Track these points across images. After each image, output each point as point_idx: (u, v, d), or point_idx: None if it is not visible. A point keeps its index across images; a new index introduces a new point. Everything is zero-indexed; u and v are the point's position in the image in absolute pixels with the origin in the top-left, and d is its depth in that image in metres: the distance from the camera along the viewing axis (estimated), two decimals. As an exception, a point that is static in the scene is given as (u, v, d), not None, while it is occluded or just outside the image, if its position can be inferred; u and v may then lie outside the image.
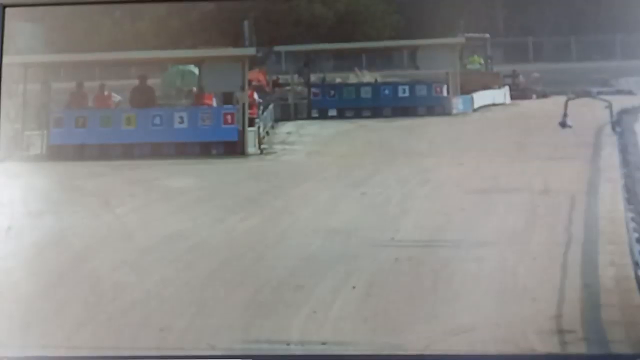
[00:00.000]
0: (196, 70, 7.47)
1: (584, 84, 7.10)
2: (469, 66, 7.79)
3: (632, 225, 5.72)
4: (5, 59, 5.37)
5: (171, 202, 6.45)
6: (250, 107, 7.26)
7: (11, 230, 5.98)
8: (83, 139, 7.03)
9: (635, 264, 5.47)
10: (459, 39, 7.36)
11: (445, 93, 7.50)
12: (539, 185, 6.15)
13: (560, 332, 5.03)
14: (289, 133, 7.36)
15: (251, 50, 7.34)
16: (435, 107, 7.46)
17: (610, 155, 6.44)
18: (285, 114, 7.63)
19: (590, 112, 6.73)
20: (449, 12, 6.75)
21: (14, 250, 5.89)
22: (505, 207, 5.98)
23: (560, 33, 7.17)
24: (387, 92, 7.58)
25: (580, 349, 4.97)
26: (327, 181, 6.46)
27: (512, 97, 7.53)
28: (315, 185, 6.44)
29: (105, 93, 7.33)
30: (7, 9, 5.38)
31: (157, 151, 7.05)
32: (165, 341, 5.24)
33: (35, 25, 6.54)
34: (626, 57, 6.75)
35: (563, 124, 6.42)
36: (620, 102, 6.74)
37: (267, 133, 7.41)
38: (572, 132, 6.41)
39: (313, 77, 7.76)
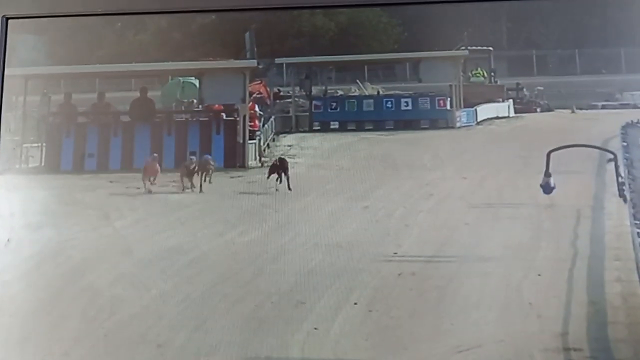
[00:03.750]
0: (196, 82, 7.42)
1: (589, 97, 7.05)
2: (472, 79, 7.73)
3: (639, 241, 5.66)
4: (6, 71, 5.34)
5: (170, 216, 6.39)
6: (251, 119, 7.21)
7: (10, 242, 5.95)
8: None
9: (642, 280, 5.41)
10: (462, 52, 7.31)
11: (448, 106, 7.43)
12: (544, 199, 6.09)
13: (567, 349, 4.97)
14: (290, 146, 7.29)
15: (252, 62, 7.29)
16: (439, 120, 7.39)
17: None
18: (287, 126, 7.56)
19: (596, 125, 6.67)
20: (452, 24, 6.71)
21: (12, 262, 5.85)
22: (509, 221, 5.92)
23: (565, 46, 7.12)
24: (389, 104, 7.52)
25: (586, 366, 4.91)
26: (328, 194, 6.39)
27: (516, 111, 7.47)
28: (316, 198, 6.38)
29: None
30: (9, 21, 5.37)
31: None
32: (162, 357, 5.19)
33: (37, 37, 6.51)
34: (631, 71, 6.70)
35: (546, 188, 5.40)
36: (626, 117, 6.68)
37: (268, 146, 7.35)
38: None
39: (315, 90, 7.71)
